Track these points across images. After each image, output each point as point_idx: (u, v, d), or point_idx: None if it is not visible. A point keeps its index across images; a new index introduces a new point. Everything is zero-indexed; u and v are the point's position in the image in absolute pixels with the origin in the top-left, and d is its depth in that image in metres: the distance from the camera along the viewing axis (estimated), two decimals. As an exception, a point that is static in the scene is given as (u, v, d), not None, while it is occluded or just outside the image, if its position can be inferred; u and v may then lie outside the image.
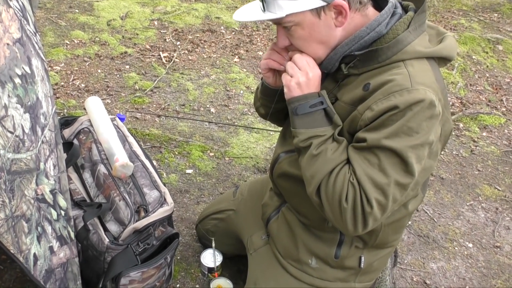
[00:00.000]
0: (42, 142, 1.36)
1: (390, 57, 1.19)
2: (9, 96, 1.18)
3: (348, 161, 1.23)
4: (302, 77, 1.24)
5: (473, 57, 4.07)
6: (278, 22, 1.23)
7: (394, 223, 1.41)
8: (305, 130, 1.24)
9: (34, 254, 1.27)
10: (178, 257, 2.01)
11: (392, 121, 1.13)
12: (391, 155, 1.14)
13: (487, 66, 3.99)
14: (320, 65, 1.29)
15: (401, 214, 1.41)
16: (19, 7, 1.32)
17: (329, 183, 1.20)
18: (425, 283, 2.12)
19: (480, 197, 2.67)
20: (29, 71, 1.32)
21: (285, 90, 1.28)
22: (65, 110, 2.77)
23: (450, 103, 3.45)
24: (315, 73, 1.26)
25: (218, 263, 1.89)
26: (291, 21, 1.20)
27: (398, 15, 1.23)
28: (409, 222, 2.38)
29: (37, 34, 1.47)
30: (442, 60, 1.28)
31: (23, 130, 1.24)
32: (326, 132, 1.23)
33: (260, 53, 3.73)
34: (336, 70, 1.29)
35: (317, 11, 1.17)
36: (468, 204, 2.62)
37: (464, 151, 3.04)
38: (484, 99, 3.59)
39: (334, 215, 1.21)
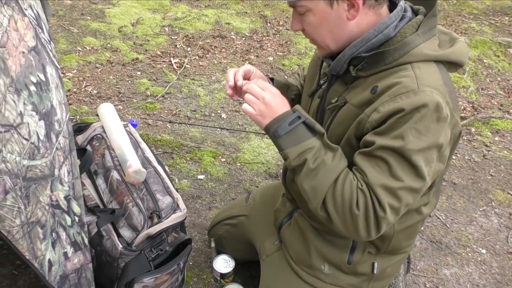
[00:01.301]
0: (57, 148, 1.38)
1: (397, 59, 1.19)
2: (24, 103, 1.19)
3: (349, 168, 1.23)
4: (261, 105, 1.27)
5: (484, 61, 4.04)
6: (292, 5, 1.25)
7: (407, 229, 1.41)
8: (293, 148, 1.23)
9: (49, 260, 1.28)
10: (191, 263, 2.01)
11: (400, 124, 1.13)
12: (399, 158, 1.14)
13: (499, 70, 3.96)
14: (329, 65, 1.30)
15: (414, 220, 1.40)
16: (34, 16, 1.34)
17: (336, 193, 1.19)
18: (438, 289, 2.11)
19: (493, 203, 2.65)
20: (44, 79, 1.33)
21: (255, 122, 1.30)
22: (78, 116, 2.79)
23: (462, 107, 3.43)
24: (272, 93, 1.29)
25: (230, 269, 1.89)
26: (304, 6, 1.22)
27: (407, 18, 1.23)
28: (422, 228, 2.36)
29: (51, 42, 1.49)
30: (453, 65, 1.27)
31: (38, 137, 1.25)
32: (314, 143, 1.23)
33: (271, 58, 3.74)
34: (345, 73, 1.29)
35: (330, 1, 1.18)
36: (481, 209, 2.60)
37: (477, 156, 3.02)
38: (496, 103, 3.57)
39: (346, 224, 1.19)
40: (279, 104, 1.28)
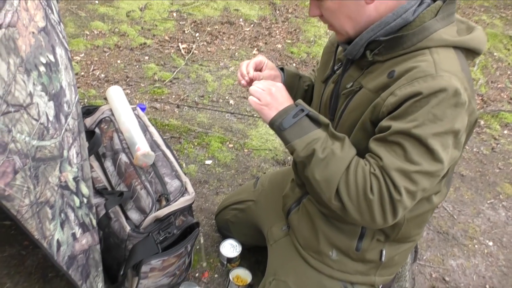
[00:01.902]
0: (66, 130, 1.37)
1: (415, 44, 1.17)
2: (34, 84, 1.18)
3: (361, 154, 1.22)
4: (267, 96, 1.28)
5: (495, 54, 4.00)
6: None
7: (417, 217, 1.40)
8: (299, 140, 1.23)
9: (58, 240, 1.28)
10: (197, 247, 2.02)
11: (416, 108, 1.11)
12: (415, 143, 1.12)
13: (509, 63, 3.92)
14: (345, 50, 1.28)
15: (425, 209, 1.39)
16: (44, -5, 1.33)
17: (349, 181, 1.18)
18: (444, 280, 2.10)
19: (501, 196, 2.64)
20: (53, 60, 1.32)
21: (260, 115, 1.30)
22: (86, 100, 2.79)
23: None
24: (277, 86, 1.31)
25: (237, 254, 1.89)
26: None
27: (426, 3, 1.21)
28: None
29: (61, 23, 1.48)
30: (470, 53, 1.25)
31: (48, 118, 1.25)
32: (319, 134, 1.22)
33: (279, 45, 3.71)
34: (361, 57, 1.27)
35: None
36: (488, 202, 2.59)
37: (485, 149, 3.00)
38: (505, 96, 3.54)
39: (361, 211, 1.18)
40: (284, 97, 1.29)
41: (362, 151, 1.23)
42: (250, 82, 1.46)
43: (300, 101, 1.29)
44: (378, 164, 1.16)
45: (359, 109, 1.26)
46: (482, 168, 2.83)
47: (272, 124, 1.27)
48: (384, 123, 1.16)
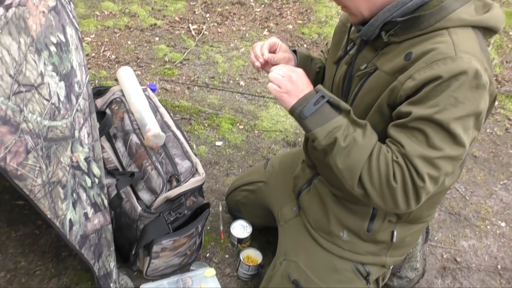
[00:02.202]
0: (77, 110, 1.38)
1: (433, 24, 1.14)
2: (45, 64, 1.18)
3: (386, 141, 1.20)
4: (288, 83, 1.25)
5: (510, 33, 3.92)
6: None
7: (430, 198, 1.37)
8: (320, 128, 1.20)
9: (70, 219, 1.29)
10: (208, 228, 2.03)
11: (437, 92, 1.09)
12: (437, 128, 1.10)
13: (524, 43, 3.85)
14: (360, 31, 1.26)
15: (437, 190, 1.37)
16: (54, -26, 1.31)
17: (371, 169, 1.16)
18: (456, 260, 2.09)
19: (514, 176, 2.61)
20: (63, 40, 1.32)
21: (281, 103, 1.27)
22: (96, 81, 2.79)
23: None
24: (297, 73, 1.27)
25: (247, 234, 1.90)
26: None
27: None
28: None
29: (71, 2, 1.47)
30: (487, 32, 1.22)
31: (59, 98, 1.25)
32: (341, 121, 1.20)
33: (290, 26, 3.67)
34: (376, 38, 1.25)
35: None
36: (501, 183, 2.56)
37: (499, 129, 2.96)
38: (520, 76, 3.49)
39: (384, 199, 1.17)
40: (304, 83, 1.26)
41: (379, 134, 1.22)
42: (265, 64, 1.45)
43: (320, 86, 1.25)
44: (400, 152, 1.14)
45: (374, 92, 1.24)
46: (495, 149, 2.80)
47: (293, 112, 1.25)
48: (404, 108, 1.14)
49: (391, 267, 1.60)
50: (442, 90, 1.08)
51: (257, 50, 1.45)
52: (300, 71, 1.29)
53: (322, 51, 1.68)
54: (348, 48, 1.38)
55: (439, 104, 1.09)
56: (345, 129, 1.19)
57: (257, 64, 1.45)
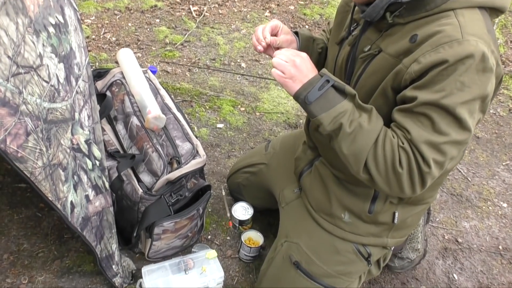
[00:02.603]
0: (77, 92, 1.37)
1: (439, 5, 1.12)
2: (43, 45, 1.17)
3: (391, 126, 1.19)
4: (292, 68, 1.22)
5: (515, 12, 3.88)
6: None
7: (432, 180, 1.38)
8: (325, 114, 1.18)
9: (71, 202, 1.29)
10: (210, 210, 2.03)
11: (443, 77, 1.07)
12: (443, 113, 1.09)
13: (529, 22, 3.81)
14: (364, 11, 1.23)
15: (439, 172, 1.37)
16: (51, -46, 1.30)
17: (377, 155, 1.16)
18: (457, 241, 2.10)
19: (517, 157, 2.61)
20: (62, 21, 1.31)
21: (285, 88, 1.25)
22: (97, 63, 2.77)
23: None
24: (302, 57, 1.24)
25: (249, 216, 1.90)
26: None
27: None
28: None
29: (69, -18, 1.45)
30: (494, 12, 1.20)
31: (58, 80, 1.24)
32: (346, 106, 1.18)
33: (292, 7, 3.63)
34: (380, 19, 1.22)
35: None
36: (504, 164, 2.56)
37: (502, 110, 2.95)
38: (524, 56, 3.46)
39: (390, 184, 1.17)
40: (309, 68, 1.23)
41: (383, 118, 1.21)
42: (267, 47, 1.43)
43: (325, 70, 1.23)
44: (406, 137, 1.14)
45: (378, 74, 1.22)
46: (498, 130, 2.78)
47: (297, 97, 1.23)
48: (409, 93, 1.13)
49: (392, 248, 1.61)
50: (448, 74, 1.07)
51: (259, 34, 1.43)
52: (304, 55, 1.26)
53: (324, 30, 1.66)
54: (352, 28, 1.36)
55: (445, 88, 1.07)
56: (351, 114, 1.17)
57: (260, 48, 1.43)
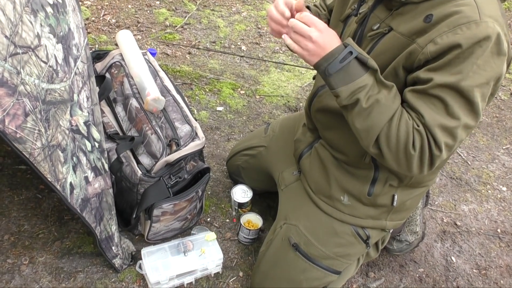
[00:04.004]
0: (75, 73, 1.36)
1: None
2: (41, 25, 1.16)
3: (404, 106, 1.17)
4: (308, 43, 1.15)
5: (518, -5, 3.85)
6: None
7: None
8: (345, 87, 1.15)
9: (71, 183, 1.29)
10: (209, 192, 2.04)
11: (460, 59, 1.06)
12: (457, 96, 1.08)
13: (532, 5, 3.78)
14: None
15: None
16: None
17: (391, 133, 1.14)
18: (456, 224, 2.11)
19: (517, 141, 2.60)
20: (60, 0, 1.29)
21: (304, 60, 1.19)
22: (96, 45, 2.76)
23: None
24: (319, 29, 1.15)
25: (248, 199, 1.90)
26: None
27: None
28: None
29: (67, -38, 1.44)
30: None
31: (56, 61, 1.23)
32: (367, 80, 1.14)
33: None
34: None
35: None
36: (504, 147, 2.56)
37: (503, 94, 2.94)
38: (527, 39, 3.42)
39: (399, 162, 1.17)
40: (327, 41, 1.15)
41: None
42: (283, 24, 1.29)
43: (350, 40, 1.15)
44: (420, 120, 1.13)
45: (388, 53, 1.20)
46: (499, 114, 2.78)
47: (317, 68, 1.18)
48: (423, 74, 1.11)
49: (391, 231, 1.61)
50: (465, 57, 1.06)
51: (276, 15, 1.29)
52: (322, 26, 1.16)
53: (315, 5, 1.61)
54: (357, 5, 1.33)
55: (462, 71, 1.06)
56: (370, 89, 1.14)
57: (274, 27, 1.31)
